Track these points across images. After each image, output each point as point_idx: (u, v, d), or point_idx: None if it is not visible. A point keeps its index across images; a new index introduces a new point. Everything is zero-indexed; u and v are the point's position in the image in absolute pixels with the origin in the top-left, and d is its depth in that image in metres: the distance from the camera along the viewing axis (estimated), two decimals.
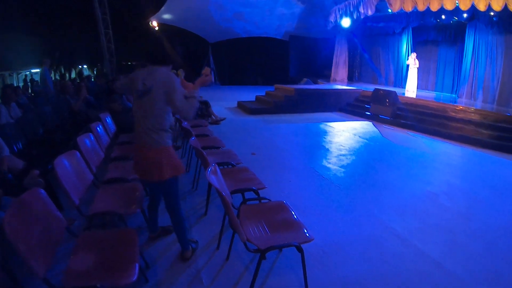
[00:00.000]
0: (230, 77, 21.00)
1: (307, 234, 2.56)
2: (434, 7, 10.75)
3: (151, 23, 17.81)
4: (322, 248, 3.39)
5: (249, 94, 13.79)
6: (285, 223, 2.74)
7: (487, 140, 8.90)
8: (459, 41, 14.63)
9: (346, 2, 14.24)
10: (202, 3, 16.72)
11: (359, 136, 8.69)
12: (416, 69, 13.81)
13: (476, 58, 13.09)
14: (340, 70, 16.45)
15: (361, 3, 13.02)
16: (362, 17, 13.40)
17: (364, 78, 17.99)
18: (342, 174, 5.73)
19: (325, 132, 8.90)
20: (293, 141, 7.97)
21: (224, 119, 9.61)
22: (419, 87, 14.89)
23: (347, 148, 7.45)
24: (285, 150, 7.17)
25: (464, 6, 10.09)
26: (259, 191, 3.35)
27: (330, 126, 9.75)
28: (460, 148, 8.20)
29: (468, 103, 11.40)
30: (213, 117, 9.36)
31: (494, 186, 5.45)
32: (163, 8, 17.16)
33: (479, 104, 12.13)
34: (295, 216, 2.81)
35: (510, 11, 9.70)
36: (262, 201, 3.16)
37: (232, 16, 18.07)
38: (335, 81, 16.18)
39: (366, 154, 7.16)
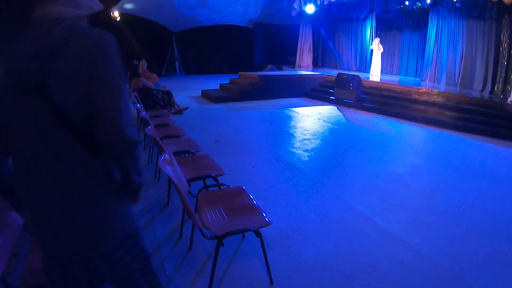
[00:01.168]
0: (195, 66, 20.63)
1: (266, 219, 2.56)
2: None
3: (112, 13, 17.11)
4: (286, 232, 3.42)
5: (214, 83, 13.63)
6: (244, 209, 2.72)
7: (450, 121, 9.20)
8: (422, 26, 15.10)
9: None
10: None
11: (324, 121, 8.78)
12: (380, 54, 14.05)
13: (439, 42, 13.51)
14: (304, 56, 16.49)
15: None
16: (326, 3, 13.38)
17: (329, 64, 18.21)
18: (307, 158, 5.76)
19: (289, 118, 8.90)
20: (258, 128, 7.92)
21: (187, 108, 9.41)
22: (384, 71, 15.28)
23: (311, 133, 7.49)
24: (249, 136, 7.12)
25: None
26: (218, 177, 3.29)
27: (294, 111, 9.76)
28: (424, 129, 8.41)
29: (432, 86, 11.78)
30: (176, 107, 9.13)
31: (457, 165, 5.62)
32: None
33: (442, 87, 12.53)
34: (254, 202, 2.79)
35: None
36: (222, 187, 3.13)
37: (195, 3, 17.65)
38: (300, 67, 16.23)
39: (330, 138, 7.20)
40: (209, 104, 10.67)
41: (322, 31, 17.23)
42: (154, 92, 8.60)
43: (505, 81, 11.78)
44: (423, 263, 2.97)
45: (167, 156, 2.55)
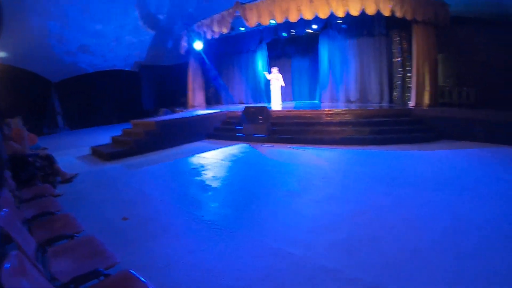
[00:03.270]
0: (80, 119, 18.14)
1: None
2: (293, 18, 10.64)
3: None
4: None
5: (104, 136, 11.52)
6: None
7: (370, 137, 9.13)
8: (311, 51, 15.41)
9: (199, 23, 13.54)
10: (40, 36, 13.96)
11: (236, 162, 7.96)
12: (279, 83, 13.57)
13: (332, 63, 13.82)
14: (197, 95, 15.39)
15: (215, 22, 12.26)
16: (216, 36, 12.66)
17: (222, 100, 17.54)
18: (225, 210, 4.90)
19: (199, 166, 7.47)
20: (167, 187, 6.29)
21: (76, 175, 7.22)
22: None
23: (225, 178, 6.60)
24: (159, 201, 5.44)
25: (323, 14, 10.30)
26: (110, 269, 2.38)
27: (202, 157, 8.41)
28: (344, 150, 8.41)
29: (332, 106, 11.79)
30: (62, 175, 6.94)
31: (389, 180, 5.83)
32: None
33: (341, 105, 12.71)
34: None
35: (355, 17, 10.46)
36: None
37: (76, 49, 15.65)
38: (193, 107, 15.06)
39: (247, 181, 6.46)
40: (103, 163, 8.57)
41: (213, 67, 16.48)
42: (30, 159, 6.34)
43: (403, 90, 12.19)
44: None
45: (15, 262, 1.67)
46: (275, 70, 13.35)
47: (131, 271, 2.26)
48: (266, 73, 13.98)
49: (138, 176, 7.16)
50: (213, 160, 8.04)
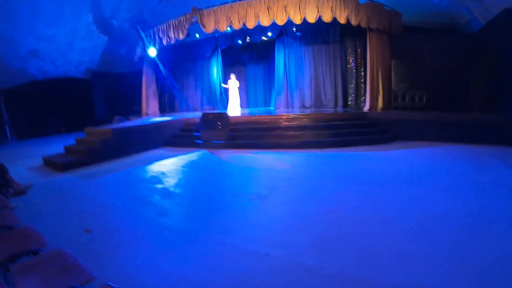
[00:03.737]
0: (28, 128, 16.99)
1: None
2: (251, 24, 10.76)
3: None
4: None
5: (56, 146, 10.76)
6: None
7: (329, 140, 9.35)
8: (266, 58, 15.64)
9: (155, 29, 13.25)
10: None
11: (197, 168, 7.86)
12: (237, 89, 13.83)
13: (288, 69, 14.12)
14: (151, 103, 15.02)
15: (172, 27, 12.07)
16: (172, 42, 12.45)
17: (177, 108, 17.35)
18: (192, 217, 4.78)
19: (160, 173, 7.19)
20: (129, 195, 5.95)
21: (30, 186, 6.67)
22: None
23: (188, 184, 6.57)
24: (123, 210, 5.14)
25: (281, 21, 10.49)
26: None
27: (162, 164, 8.12)
28: (303, 154, 8.50)
29: (289, 112, 11.78)
30: (15, 187, 6.38)
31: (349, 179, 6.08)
32: None
33: (296, 110, 12.97)
34: None
35: (310, 25, 10.95)
36: None
37: (25, 54, 14.61)
38: (147, 115, 14.66)
39: (212, 186, 6.27)
40: (57, 174, 7.96)
41: (167, 75, 16.22)
42: None
43: (357, 95, 12.62)
44: None
45: None
46: (233, 76, 13.60)
47: (111, 284, 2.08)
48: (223, 85, 14.22)
49: (97, 186, 6.76)
50: (173, 167, 7.80)
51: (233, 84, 13.73)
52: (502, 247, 3.22)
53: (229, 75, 14.14)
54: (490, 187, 5.22)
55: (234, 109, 13.69)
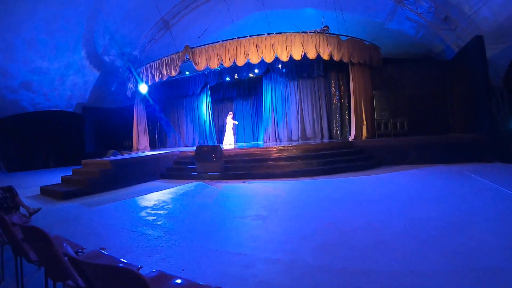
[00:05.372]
0: (18, 161, 17.05)
1: None
2: (240, 62, 11.56)
3: None
4: None
5: (47, 178, 11.09)
6: None
7: (319, 168, 9.86)
8: (253, 94, 16.55)
9: (147, 65, 13.92)
10: None
11: (196, 196, 8.20)
12: (233, 125, 15.07)
13: (275, 104, 14.90)
14: (141, 138, 15.46)
15: (164, 65, 12.74)
16: (164, 79, 13.09)
17: (167, 143, 17.80)
18: (199, 236, 5.01)
19: (159, 202, 7.53)
20: (134, 219, 6.27)
21: (39, 209, 6.83)
22: (220, 142, 15.86)
23: (191, 210, 6.82)
24: (132, 231, 5.47)
25: (269, 59, 11.39)
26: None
27: (162, 193, 8.48)
28: (296, 181, 9.01)
29: (278, 144, 12.47)
30: (25, 209, 6.50)
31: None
32: None
33: (285, 143, 13.47)
34: None
35: (296, 61, 11.80)
36: None
37: (18, 85, 15.06)
38: (138, 150, 15.04)
39: (213, 211, 6.63)
40: (58, 202, 8.21)
41: (158, 110, 16.80)
42: None
43: (342, 125, 13.32)
44: None
45: None
46: (230, 114, 14.92)
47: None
48: (235, 122, 15.24)
49: (101, 212, 7.07)
50: (173, 195, 8.15)
51: (230, 121, 14.78)
52: (481, 237, 3.96)
53: (230, 113, 15.33)
54: (470, 196, 6.11)
55: (229, 143, 14.52)
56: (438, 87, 12.50)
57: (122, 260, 2.76)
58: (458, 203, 5.63)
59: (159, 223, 5.80)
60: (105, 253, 2.91)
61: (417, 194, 6.64)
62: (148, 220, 6.09)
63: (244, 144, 15.09)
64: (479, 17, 11.05)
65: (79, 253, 3.06)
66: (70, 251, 2.37)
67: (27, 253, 2.99)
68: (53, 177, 10.99)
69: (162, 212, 6.56)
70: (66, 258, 2.34)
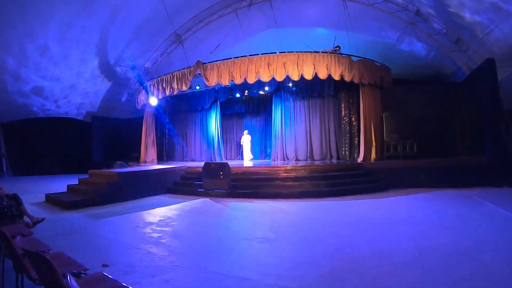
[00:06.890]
0: (24, 165, 17.20)
1: None
2: (251, 79, 11.64)
3: None
4: None
5: (55, 185, 11.16)
6: None
7: (326, 190, 9.80)
8: (262, 111, 16.69)
9: (158, 79, 14.06)
10: None
11: (202, 214, 8.15)
12: (249, 143, 15.60)
13: (284, 123, 14.86)
14: (149, 150, 15.53)
15: (175, 79, 12.91)
16: (175, 93, 13.26)
17: (174, 156, 17.83)
18: (205, 257, 4.95)
19: (166, 218, 7.51)
20: (140, 236, 6.26)
21: (43, 219, 6.82)
22: (228, 157, 16.19)
23: (196, 229, 6.82)
24: (136, 248, 5.45)
25: (280, 77, 11.42)
26: None
27: (167, 210, 8.47)
28: (303, 203, 8.91)
29: (285, 164, 12.33)
30: (29, 218, 6.48)
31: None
32: None
33: (292, 162, 13.49)
34: None
35: (307, 80, 11.79)
36: None
37: (30, 90, 15.37)
38: (145, 163, 15.09)
39: (220, 231, 6.58)
40: (63, 212, 8.22)
41: (166, 123, 16.91)
42: None
43: (351, 146, 13.25)
44: None
45: None
46: (245, 132, 15.59)
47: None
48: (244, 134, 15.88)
49: (106, 225, 7.07)
50: (179, 212, 8.14)
51: (246, 139, 15.35)
52: (490, 265, 4.03)
53: (246, 131, 15.95)
54: (479, 222, 6.25)
55: (248, 158, 15.13)
56: (447, 109, 12.53)
57: (124, 285, 2.71)
58: (467, 230, 5.69)
59: (163, 241, 5.79)
60: (108, 276, 2.85)
61: (425, 219, 6.61)
62: (153, 237, 6.07)
63: (258, 162, 15.15)
64: (490, 39, 11.11)
65: (82, 275, 3.03)
66: (74, 283, 2.32)
67: (28, 271, 2.96)
68: (59, 184, 11.05)
69: (167, 229, 6.55)
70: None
